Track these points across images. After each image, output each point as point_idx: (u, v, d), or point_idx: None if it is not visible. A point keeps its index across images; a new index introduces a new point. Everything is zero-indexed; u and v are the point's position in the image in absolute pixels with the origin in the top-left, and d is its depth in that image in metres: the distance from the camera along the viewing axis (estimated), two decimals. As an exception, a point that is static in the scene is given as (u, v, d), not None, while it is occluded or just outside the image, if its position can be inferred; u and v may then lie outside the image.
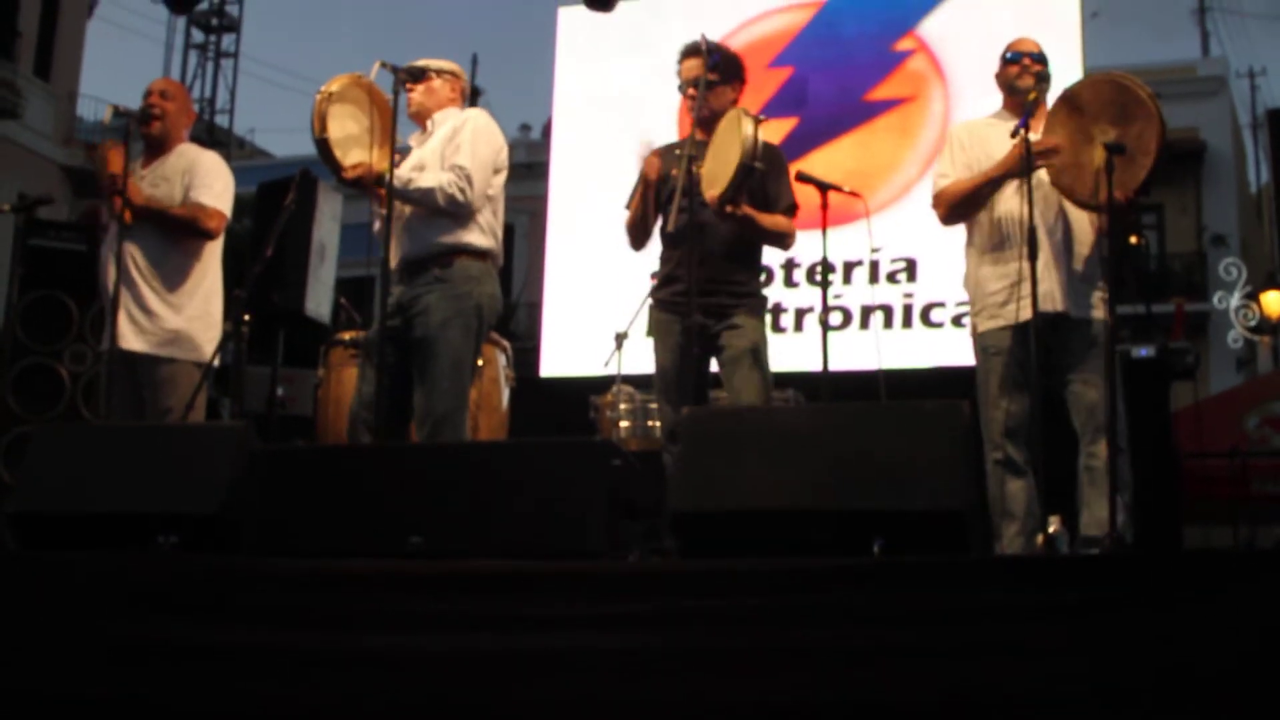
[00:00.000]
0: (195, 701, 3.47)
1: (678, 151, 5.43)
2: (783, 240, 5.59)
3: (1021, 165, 5.05)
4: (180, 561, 3.96)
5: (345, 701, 3.39)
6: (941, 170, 5.49)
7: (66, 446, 4.66)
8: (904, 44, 8.94)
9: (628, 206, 5.72)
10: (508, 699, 3.30)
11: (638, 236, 5.73)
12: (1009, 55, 5.46)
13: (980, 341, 5.34)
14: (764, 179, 5.38)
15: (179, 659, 3.55)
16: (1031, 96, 5.20)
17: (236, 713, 3.44)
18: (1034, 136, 5.20)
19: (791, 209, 5.55)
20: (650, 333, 5.68)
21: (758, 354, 5.42)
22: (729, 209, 5.23)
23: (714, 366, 5.53)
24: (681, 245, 5.37)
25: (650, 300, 5.65)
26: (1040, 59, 5.42)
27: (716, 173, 5.24)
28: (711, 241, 5.38)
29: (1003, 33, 5.73)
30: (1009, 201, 5.20)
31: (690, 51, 5.64)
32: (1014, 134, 5.01)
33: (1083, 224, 5.23)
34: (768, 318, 5.68)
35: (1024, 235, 4.94)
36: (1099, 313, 5.20)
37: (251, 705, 3.44)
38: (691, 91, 5.54)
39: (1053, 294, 5.16)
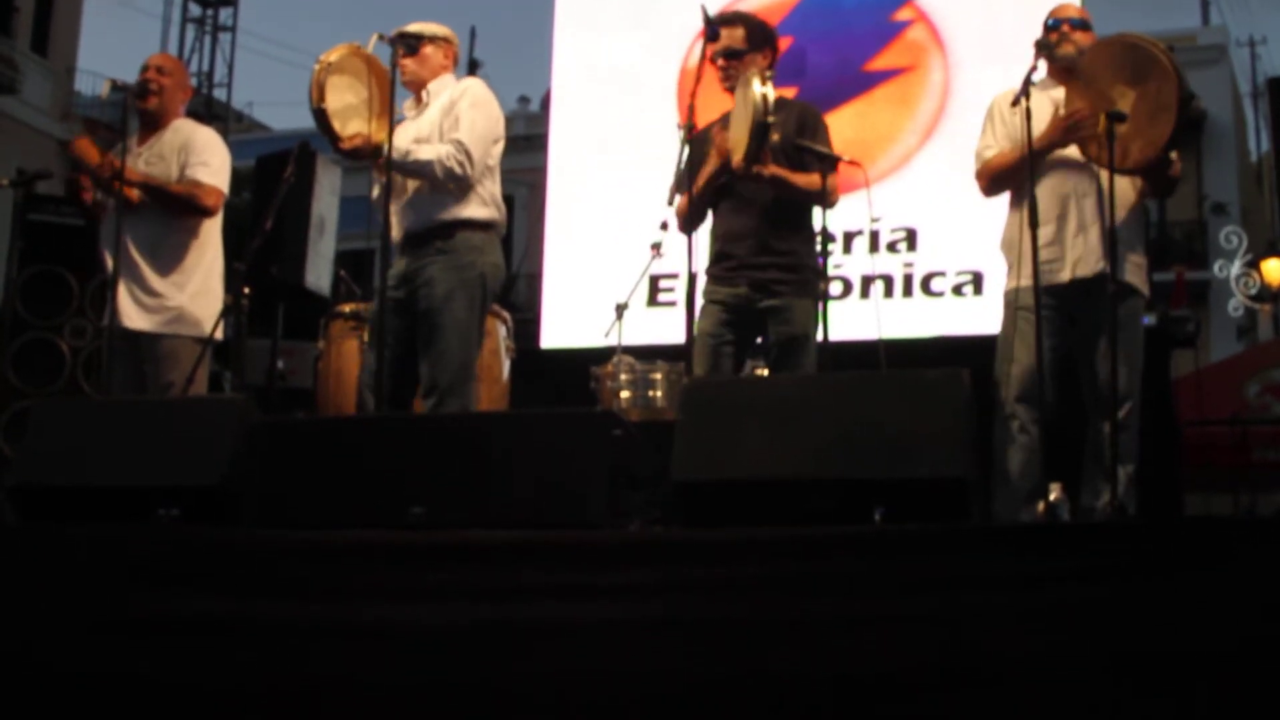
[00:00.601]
0: (195, 674, 3.47)
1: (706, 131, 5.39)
2: (823, 198, 5.44)
3: (1060, 136, 5.10)
4: (181, 534, 3.96)
5: (346, 673, 3.39)
6: (985, 143, 5.47)
7: (67, 420, 4.66)
8: (903, 14, 8.91)
9: (670, 203, 5.59)
10: (509, 669, 3.30)
11: (691, 222, 5.39)
12: (1049, 22, 5.43)
13: (1008, 298, 5.33)
14: (797, 137, 5.37)
15: (180, 632, 3.55)
16: (1035, 63, 5.19)
17: (237, 685, 3.45)
18: (1056, 95, 5.22)
19: (831, 165, 5.44)
20: (701, 300, 5.57)
21: (806, 341, 5.39)
22: (756, 169, 5.20)
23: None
24: (723, 219, 5.37)
25: (703, 274, 5.59)
26: (1081, 24, 5.39)
27: (739, 138, 5.22)
28: (753, 211, 5.36)
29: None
30: (1046, 168, 5.20)
31: (720, 21, 5.55)
32: (1014, 104, 5.00)
33: (1120, 187, 5.18)
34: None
35: (1065, 199, 5.01)
36: (1134, 280, 5.19)
37: (252, 677, 3.45)
38: (721, 62, 5.49)
39: (1086, 258, 5.16)
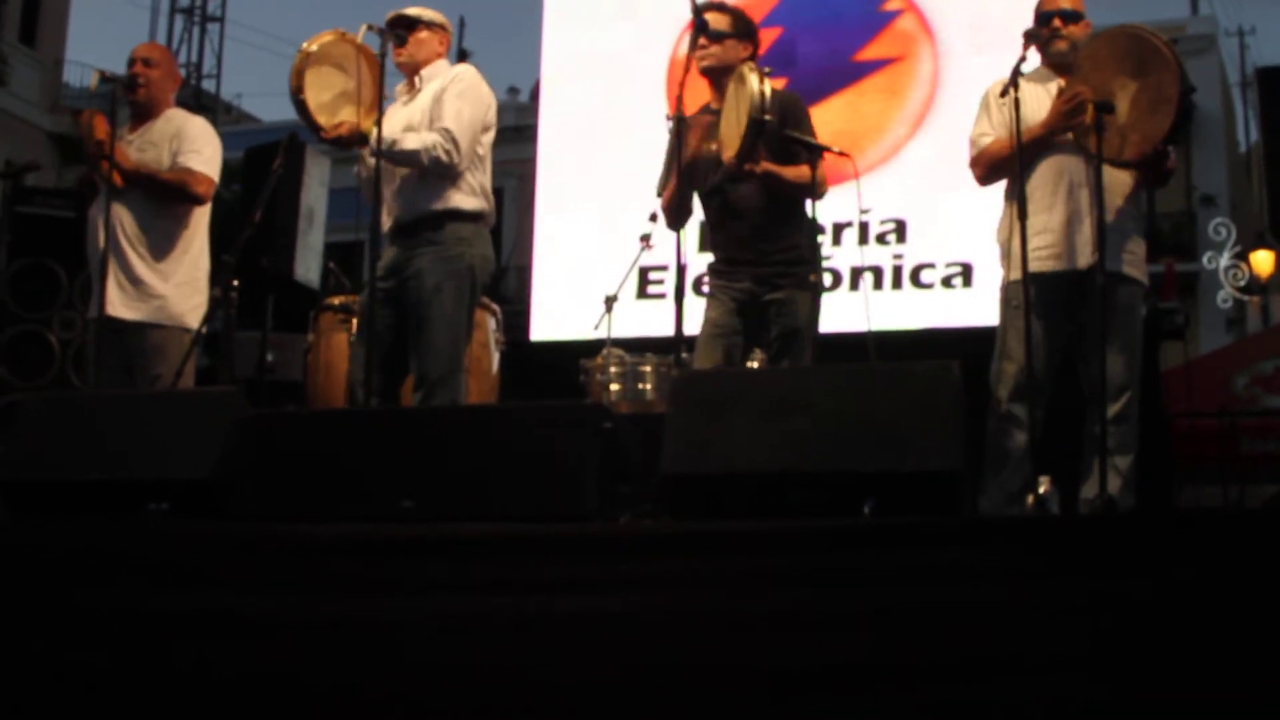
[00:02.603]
0: (184, 670, 3.47)
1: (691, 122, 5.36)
2: (813, 189, 5.39)
3: (1061, 122, 5.05)
4: (171, 528, 3.96)
5: (336, 667, 3.39)
6: (981, 130, 5.39)
7: (56, 414, 4.65)
8: (892, 3, 8.92)
9: (659, 193, 5.61)
10: (500, 662, 3.30)
11: (676, 216, 5.42)
12: (1040, 14, 5.36)
13: (1005, 293, 5.29)
14: (781, 130, 5.31)
15: (170, 627, 3.55)
16: (1022, 56, 5.18)
17: (225, 679, 3.44)
18: (1051, 87, 5.20)
19: (818, 155, 5.41)
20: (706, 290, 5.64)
21: (806, 334, 5.36)
22: (748, 167, 5.18)
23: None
24: (721, 224, 5.36)
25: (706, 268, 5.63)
26: (1073, 16, 5.32)
27: (729, 135, 5.20)
28: (745, 209, 5.34)
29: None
30: (1045, 155, 5.16)
31: (706, 7, 5.52)
32: (1001, 94, 4.99)
33: (1117, 176, 5.15)
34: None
35: (1061, 188, 4.98)
36: (1132, 270, 5.16)
37: (241, 671, 3.44)
38: (702, 41, 5.45)
39: (1082, 249, 5.10)
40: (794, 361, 5.34)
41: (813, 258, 5.53)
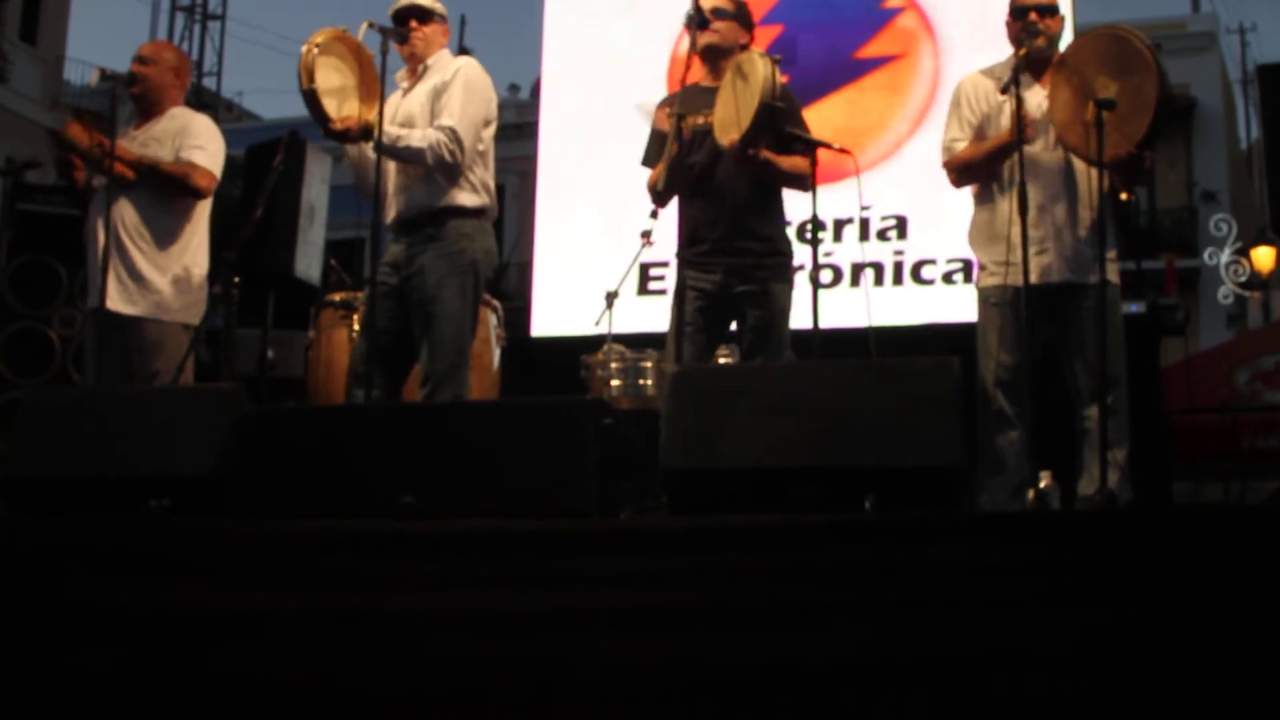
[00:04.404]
0: (186, 666, 3.47)
1: (675, 109, 5.28)
2: (803, 181, 5.36)
3: (1014, 137, 5.04)
4: (172, 525, 3.96)
5: (338, 662, 3.39)
6: (952, 135, 5.43)
7: (56, 411, 4.65)
8: (893, 1, 8.90)
9: (645, 163, 5.59)
10: (500, 657, 3.30)
11: (664, 196, 5.39)
12: (1015, 8, 5.38)
13: (982, 293, 5.33)
14: (780, 122, 5.27)
15: (171, 623, 3.55)
16: (1021, 52, 5.16)
17: (226, 675, 3.45)
18: (1042, 92, 5.19)
19: (810, 148, 5.38)
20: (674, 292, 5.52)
21: (783, 326, 5.34)
22: (751, 153, 5.15)
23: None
24: (695, 201, 5.29)
25: (675, 260, 5.52)
26: (1048, 10, 5.32)
27: (730, 118, 5.15)
28: (729, 195, 5.31)
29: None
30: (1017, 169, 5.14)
31: None
32: (1003, 91, 4.99)
33: (1090, 185, 5.17)
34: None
35: (1038, 202, 4.95)
36: (1111, 275, 5.18)
37: (242, 667, 3.45)
38: (710, 16, 5.41)
39: (1056, 266, 5.15)
40: (770, 355, 5.29)
41: (788, 250, 5.51)
